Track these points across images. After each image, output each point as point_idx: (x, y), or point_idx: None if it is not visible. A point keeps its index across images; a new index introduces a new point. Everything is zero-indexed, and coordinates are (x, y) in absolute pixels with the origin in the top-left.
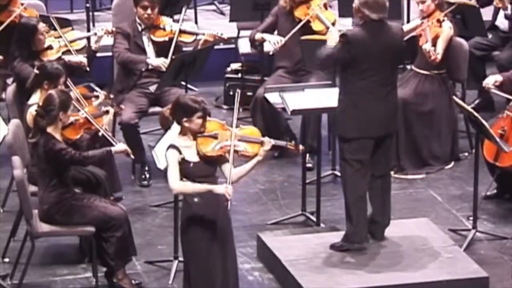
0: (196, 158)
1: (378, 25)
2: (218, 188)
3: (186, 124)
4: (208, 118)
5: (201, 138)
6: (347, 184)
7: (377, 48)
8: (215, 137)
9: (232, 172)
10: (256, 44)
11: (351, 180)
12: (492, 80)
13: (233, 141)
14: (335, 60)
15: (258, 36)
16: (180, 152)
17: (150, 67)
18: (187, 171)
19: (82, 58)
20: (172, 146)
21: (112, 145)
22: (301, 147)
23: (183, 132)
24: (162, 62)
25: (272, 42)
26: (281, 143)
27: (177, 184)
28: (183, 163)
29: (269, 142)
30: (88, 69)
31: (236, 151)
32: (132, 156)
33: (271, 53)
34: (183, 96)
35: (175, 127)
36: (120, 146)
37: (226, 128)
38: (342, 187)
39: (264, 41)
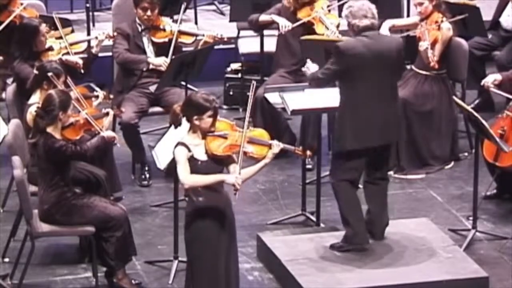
0: (204, 157)
1: (369, 33)
2: (229, 178)
3: (197, 122)
4: (218, 118)
5: (211, 137)
6: (336, 191)
7: (371, 57)
8: (224, 137)
9: (242, 172)
10: (258, 26)
11: (340, 186)
12: (491, 78)
13: (243, 143)
14: (333, 74)
15: (265, 17)
16: (189, 150)
17: (151, 66)
18: (195, 168)
19: (78, 59)
20: (180, 143)
21: (110, 150)
22: (308, 152)
23: (192, 130)
24: (163, 61)
25: (281, 25)
26: (290, 147)
27: (189, 178)
28: (191, 160)
29: (277, 145)
30: (82, 71)
31: (244, 152)
32: (118, 145)
33: (277, 33)
34: (195, 94)
35: (182, 127)
36: (108, 132)
37: (235, 129)
38: (334, 194)
39: (268, 23)
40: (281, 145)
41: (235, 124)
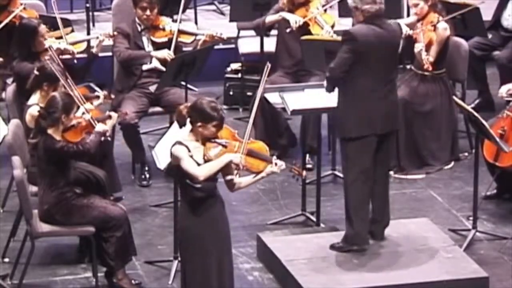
0: (201, 161)
1: (378, 20)
2: (235, 157)
3: (200, 129)
4: None
5: (210, 144)
6: (348, 187)
7: (380, 44)
8: (224, 145)
9: (235, 180)
10: (266, 28)
11: (354, 184)
12: (505, 89)
13: (241, 153)
14: (346, 61)
15: (273, 17)
16: (188, 150)
17: (153, 65)
18: None
19: (73, 48)
20: (179, 142)
21: (111, 150)
22: (304, 173)
23: (194, 133)
24: (167, 54)
25: (292, 21)
26: (288, 165)
27: (200, 169)
28: None
29: (277, 164)
30: (76, 61)
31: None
32: (109, 138)
33: (288, 30)
34: (203, 100)
35: (177, 128)
36: (100, 126)
37: (236, 138)
38: (344, 189)
39: (277, 22)
40: (280, 163)
41: (237, 133)
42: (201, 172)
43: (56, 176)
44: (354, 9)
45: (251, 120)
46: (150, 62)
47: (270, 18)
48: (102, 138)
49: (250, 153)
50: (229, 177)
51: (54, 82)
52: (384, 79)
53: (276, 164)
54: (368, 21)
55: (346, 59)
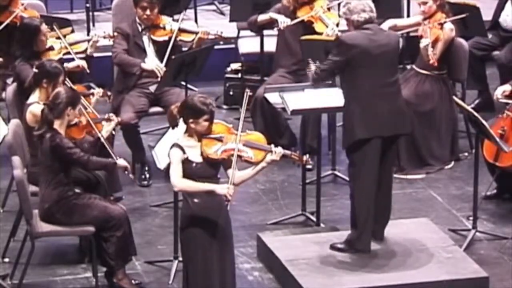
0: (199, 159)
1: (370, 25)
2: (220, 189)
3: (192, 125)
4: (215, 120)
5: (206, 140)
6: (356, 192)
7: (372, 47)
8: (220, 140)
9: (236, 175)
10: (257, 26)
11: (362, 191)
12: (500, 91)
13: (238, 145)
14: (335, 65)
15: (264, 16)
16: (184, 152)
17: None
18: (189, 171)
19: (79, 61)
20: (176, 145)
21: (109, 156)
22: (305, 158)
23: (188, 132)
24: (156, 66)
25: (280, 21)
26: (287, 152)
27: (180, 181)
28: (186, 162)
29: (276, 152)
30: (88, 71)
31: (240, 156)
32: (132, 176)
33: (275, 29)
34: (192, 97)
35: (179, 127)
36: (122, 161)
37: (232, 132)
38: (350, 196)
39: (267, 22)
40: (282, 151)
41: (233, 127)
42: (179, 184)
43: (59, 174)
44: (346, 20)
45: (242, 112)
46: (139, 72)
47: (261, 17)
48: (125, 172)
49: (248, 144)
50: (229, 172)
51: (53, 78)
52: (384, 81)
53: (275, 152)
54: (358, 28)
55: (335, 62)
